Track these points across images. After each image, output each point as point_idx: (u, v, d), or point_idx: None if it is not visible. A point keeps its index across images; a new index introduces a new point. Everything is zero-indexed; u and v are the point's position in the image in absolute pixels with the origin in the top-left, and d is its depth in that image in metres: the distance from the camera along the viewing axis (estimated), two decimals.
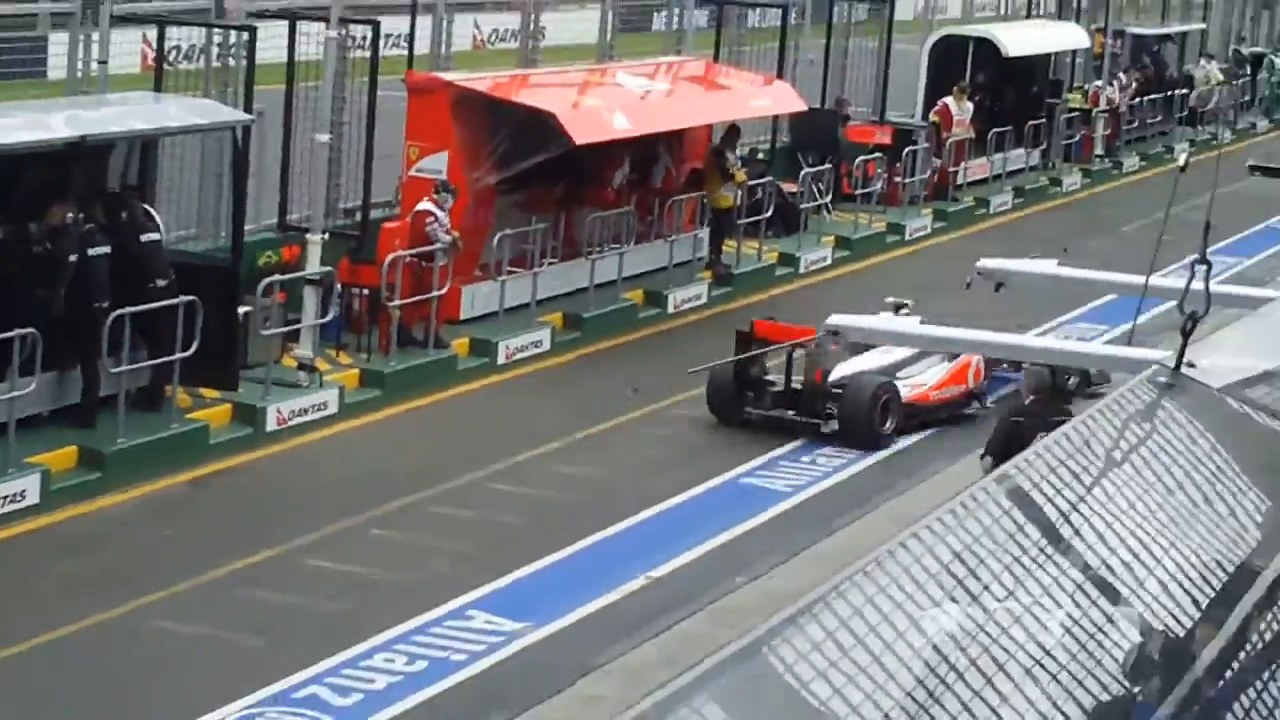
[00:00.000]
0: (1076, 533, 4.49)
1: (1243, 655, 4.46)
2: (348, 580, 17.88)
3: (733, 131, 30.97)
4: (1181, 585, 4.54)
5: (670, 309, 28.50)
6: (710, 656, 3.64)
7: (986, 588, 4.09)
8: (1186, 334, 5.57)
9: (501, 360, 25.10)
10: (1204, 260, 6.01)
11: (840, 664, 3.61)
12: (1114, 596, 4.38)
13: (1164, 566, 4.60)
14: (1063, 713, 3.88)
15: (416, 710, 15.35)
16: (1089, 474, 4.86)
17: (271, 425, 21.55)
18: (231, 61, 24.28)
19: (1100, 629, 4.16)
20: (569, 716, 14.79)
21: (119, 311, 19.66)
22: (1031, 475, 4.64)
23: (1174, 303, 19.05)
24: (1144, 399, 5.39)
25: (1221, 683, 4.34)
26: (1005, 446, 17.09)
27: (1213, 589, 4.70)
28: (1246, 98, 54.50)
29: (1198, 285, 5.95)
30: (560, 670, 15.68)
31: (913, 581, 4.01)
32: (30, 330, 18.72)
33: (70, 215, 19.71)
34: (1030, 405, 18.34)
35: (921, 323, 21.04)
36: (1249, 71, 55.69)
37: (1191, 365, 5.45)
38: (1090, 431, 5.11)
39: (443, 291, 24.28)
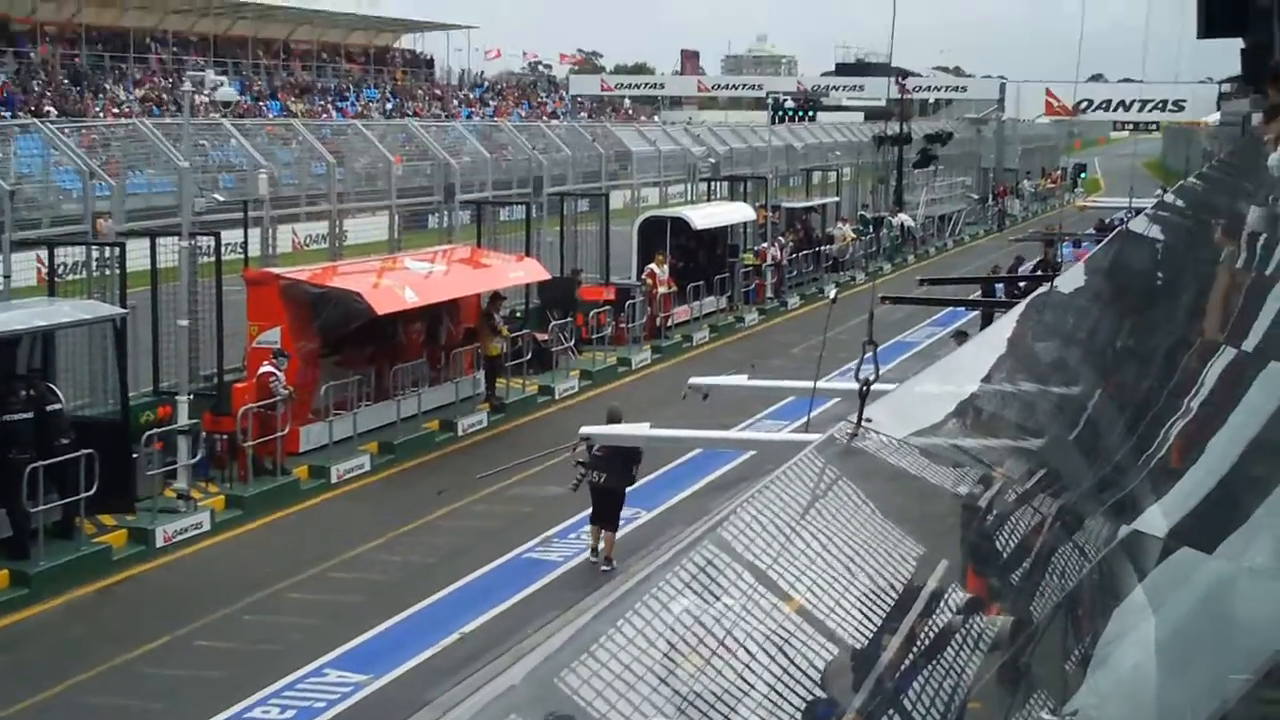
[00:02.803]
0: (782, 571, 4.53)
1: (911, 654, 4.55)
2: (229, 654, 17.59)
3: (496, 297, 31.16)
4: (865, 603, 4.61)
5: (460, 433, 28.46)
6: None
7: (709, 630, 4.09)
8: (863, 397, 5.68)
9: (334, 480, 24.95)
10: (871, 341, 6.16)
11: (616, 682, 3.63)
12: (812, 619, 4.43)
13: (854, 589, 4.67)
14: (784, 709, 3.92)
15: None
16: (794, 513, 4.92)
17: (160, 543, 21.23)
18: (108, 270, 23.96)
19: (806, 644, 4.21)
20: None
21: (34, 464, 19.35)
22: (737, 523, 4.66)
23: (838, 399, 19.39)
24: (837, 448, 5.48)
25: (897, 675, 4.43)
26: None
27: (888, 604, 4.78)
28: (873, 249, 55.80)
29: (868, 362, 6.07)
30: (398, 707, 15.63)
31: (659, 619, 4.03)
32: None
33: None
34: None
35: (650, 426, 21.15)
36: (873, 229, 57.01)
37: (869, 420, 5.57)
38: (792, 477, 5.18)
39: (285, 432, 24.21)
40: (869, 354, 6.11)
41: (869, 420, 5.52)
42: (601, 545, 21.02)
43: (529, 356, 31.80)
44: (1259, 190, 10.66)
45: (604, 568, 20.56)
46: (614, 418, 20.71)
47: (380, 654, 17.57)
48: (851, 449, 5.49)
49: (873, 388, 5.78)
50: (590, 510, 21.40)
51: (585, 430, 14.93)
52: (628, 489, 21.27)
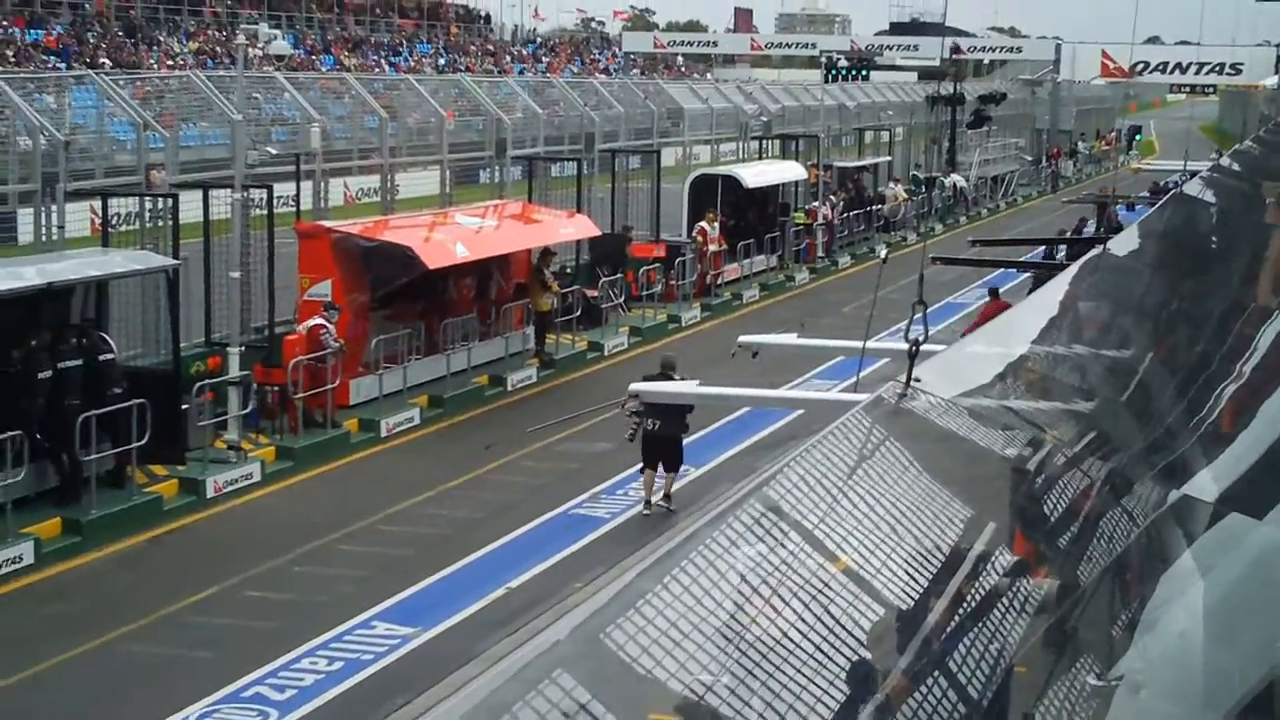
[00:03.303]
0: (829, 530, 4.52)
1: (958, 616, 4.53)
2: (277, 605, 17.65)
3: (547, 253, 31.10)
4: (914, 565, 4.59)
5: (509, 388, 28.50)
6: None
7: (756, 589, 4.09)
8: (913, 357, 5.65)
9: (384, 434, 24.99)
10: (921, 302, 6.12)
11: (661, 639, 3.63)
12: (858, 579, 4.41)
13: (900, 551, 4.66)
14: (829, 668, 3.92)
15: (339, 698, 15.26)
16: (841, 473, 4.90)
17: (211, 493, 21.35)
18: (160, 222, 24.06)
19: (852, 605, 4.19)
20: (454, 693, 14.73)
21: (87, 413, 19.49)
22: (784, 483, 4.65)
23: (887, 359, 19.36)
24: (885, 408, 5.46)
25: (943, 636, 4.41)
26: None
27: (935, 566, 4.76)
28: (925, 209, 55.54)
29: (918, 322, 6.04)
30: (445, 660, 15.65)
31: (705, 576, 4.02)
32: (18, 432, 18.58)
33: (35, 341, 19.52)
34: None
35: (700, 384, 21.14)
36: (925, 190, 56.73)
37: (919, 380, 5.54)
38: (840, 436, 5.16)
39: (335, 385, 24.28)
40: (919, 315, 6.07)
41: (918, 380, 5.49)
42: (660, 486, 21.36)
43: (579, 312, 31.88)
44: None
45: (670, 507, 21.05)
46: (668, 365, 21.19)
47: (428, 607, 17.62)
48: (900, 409, 5.46)
49: (923, 348, 5.75)
50: (641, 463, 21.54)
51: (635, 387, 14.90)
52: (683, 435, 21.41)
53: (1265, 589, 3.60)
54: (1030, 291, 31.11)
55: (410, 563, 19.07)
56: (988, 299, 28.89)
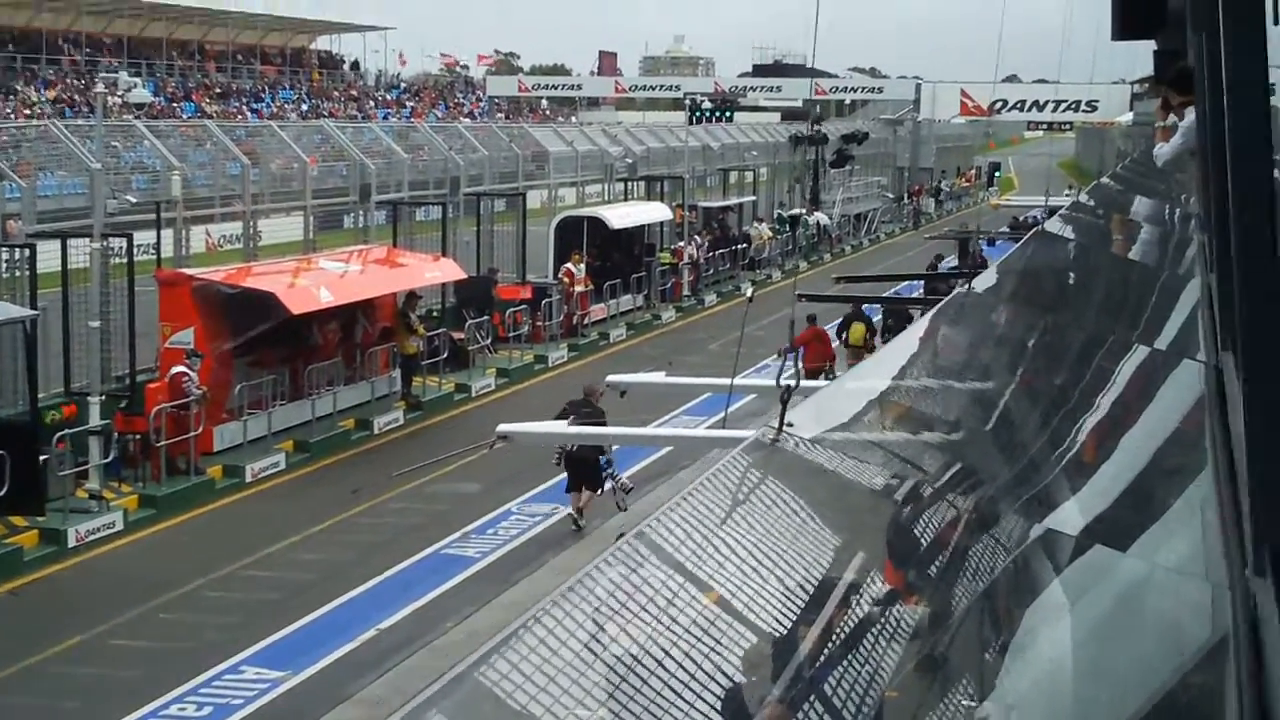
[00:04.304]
0: (703, 567, 4.54)
1: (830, 644, 4.55)
2: (144, 653, 17.43)
3: (412, 297, 31.11)
4: (785, 598, 4.61)
5: (376, 431, 28.36)
6: (433, 682, 3.65)
7: (635, 615, 4.10)
8: (784, 402, 5.67)
9: (249, 479, 24.77)
10: (793, 348, 6.17)
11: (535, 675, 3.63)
12: (735, 613, 4.43)
13: (770, 585, 4.66)
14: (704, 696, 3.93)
15: None
16: (714, 518, 4.91)
17: (72, 543, 21.00)
18: (18, 272, 23.68)
19: (727, 636, 4.21)
20: None
21: None
22: (665, 527, 4.66)
23: (754, 395, 19.42)
24: (756, 455, 5.47)
25: (816, 665, 4.42)
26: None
27: (807, 596, 4.77)
28: (790, 247, 56.04)
29: (789, 367, 6.04)
30: (317, 704, 15.59)
31: (580, 613, 4.04)
32: None
33: None
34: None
35: (569, 424, 21.21)
36: (790, 228, 57.22)
37: (790, 425, 5.56)
38: (715, 483, 5.17)
39: (198, 431, 24.02)
40: (788, 359, 6.11)
41: (790, 425, 5.52)
42: (582, 503, 22.25)
43: (445, 355, 31.76)
44: (1149, 181, 10.76)
45: (581, 523, 22.02)
46: (589, 393, 21.91)
47: (297, 650, 17.47)
48: (775, 449, 5.48)
49: (796, 389, 5.78)
50: (566, 481, 22.43)
51: (503, 428, 14.89)
52: (601, 456, 22.14)
53: (1132, 621, 3.65)
54: (884, 328, 31.77)
55: (278, 607, 18.88)
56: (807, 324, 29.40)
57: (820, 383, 8.29)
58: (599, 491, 22.20)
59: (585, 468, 22.15)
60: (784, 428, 5.49)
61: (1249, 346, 2.59)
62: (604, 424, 21.27)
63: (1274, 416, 2.49)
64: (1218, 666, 2.44)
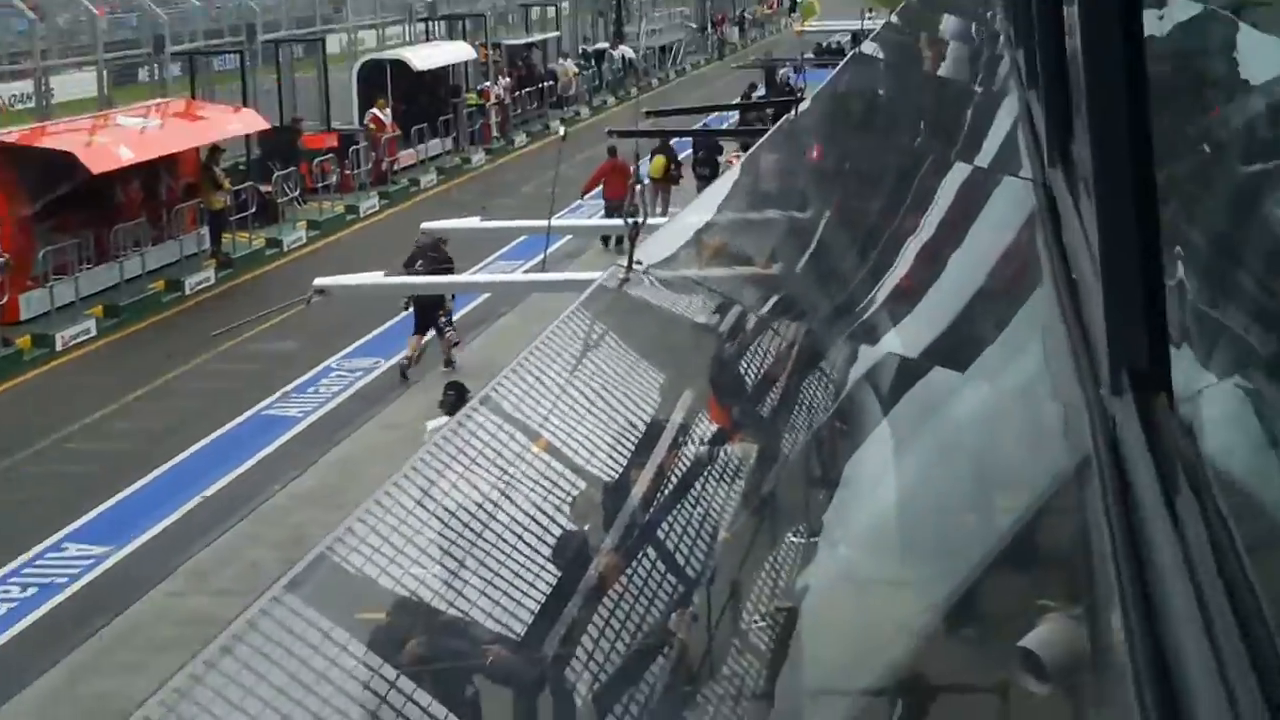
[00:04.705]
0: (553, 421, 4.48)
1: (662, 487, 4.53)
2: None
3: (216, 150, 30.39)
4: (618, 442, 4.58)
5: (188, 291, 27.82)
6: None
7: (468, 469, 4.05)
8: (633, 239, 5.61)
9: (59, 348, 24.17)
10: (639, 181, 6.07)
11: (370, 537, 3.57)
12: (572, 465, 4.39)
13: (609, 429, 4.63)
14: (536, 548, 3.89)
15: (37, 624, 14.90)
16: (563, 373, 4.86)
17: None
18: None
19: (567, 487, 4.17)
20: (154, 610, 14.59)
21: None
22: (512, 390, 4.60)
23: (569, 236, 19.40)
24: (605, 299, 5.40)
25: (650, 508, 4.40)
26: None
27: (633, 441, 4.75)
28: (597, 83, 55.61)
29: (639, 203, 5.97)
30: (143, 579, 15.44)
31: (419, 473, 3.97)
32: None
33: None
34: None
35: (386, 275, 21.01)
36: (595, 64, 56.78)
37: (639, 263, 5.49)
38: (564, 333, 5.10)
39: (3, 301, 23.54)
40: (638, 194, 6.02)
41: (638, 263, 5.47)
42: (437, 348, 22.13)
43: (254, 210, 31.09)
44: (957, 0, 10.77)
45: (443, 369, 21.40)
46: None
47: (121, 524, 17.22)
48: (619, 294, 5.43)
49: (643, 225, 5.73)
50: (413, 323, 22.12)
51: (319, 282, 14.69)
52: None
53: (979, 444, 3.62)
54: (695, 160, 31.80)
55: (99, 479, 18.53)
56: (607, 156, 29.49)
57: (661, 219, 8.24)
58: (441, 335, 22.10)
59: (433, 310, 21.86)
60: (632, 266, 5.44)
61: (1099, 168, 2.53)
62: (452, 269, 21.15)
63: (1124, 236, 2.44)
64: (1081, 490, 2.41)
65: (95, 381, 22.66)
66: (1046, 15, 4.85)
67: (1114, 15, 2.43)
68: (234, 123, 31.79)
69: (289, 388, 21.94)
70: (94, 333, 25.12)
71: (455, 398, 16.33)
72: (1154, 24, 2.79)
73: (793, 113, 8.92)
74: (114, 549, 16.51)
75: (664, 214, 22.00)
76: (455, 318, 22.84)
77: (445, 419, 14.12)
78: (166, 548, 16.44)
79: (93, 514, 17.48)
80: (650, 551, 4.30)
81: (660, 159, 30.69)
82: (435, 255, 20.78)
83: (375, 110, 37.82)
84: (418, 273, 20.97)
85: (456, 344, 21.93)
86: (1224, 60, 2.88)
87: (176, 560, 15.87)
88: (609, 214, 29.00)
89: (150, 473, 18.78)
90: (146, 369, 22.69)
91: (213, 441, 19.93)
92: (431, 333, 22.10)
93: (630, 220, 5.71)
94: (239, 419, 20.73)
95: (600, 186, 30.04)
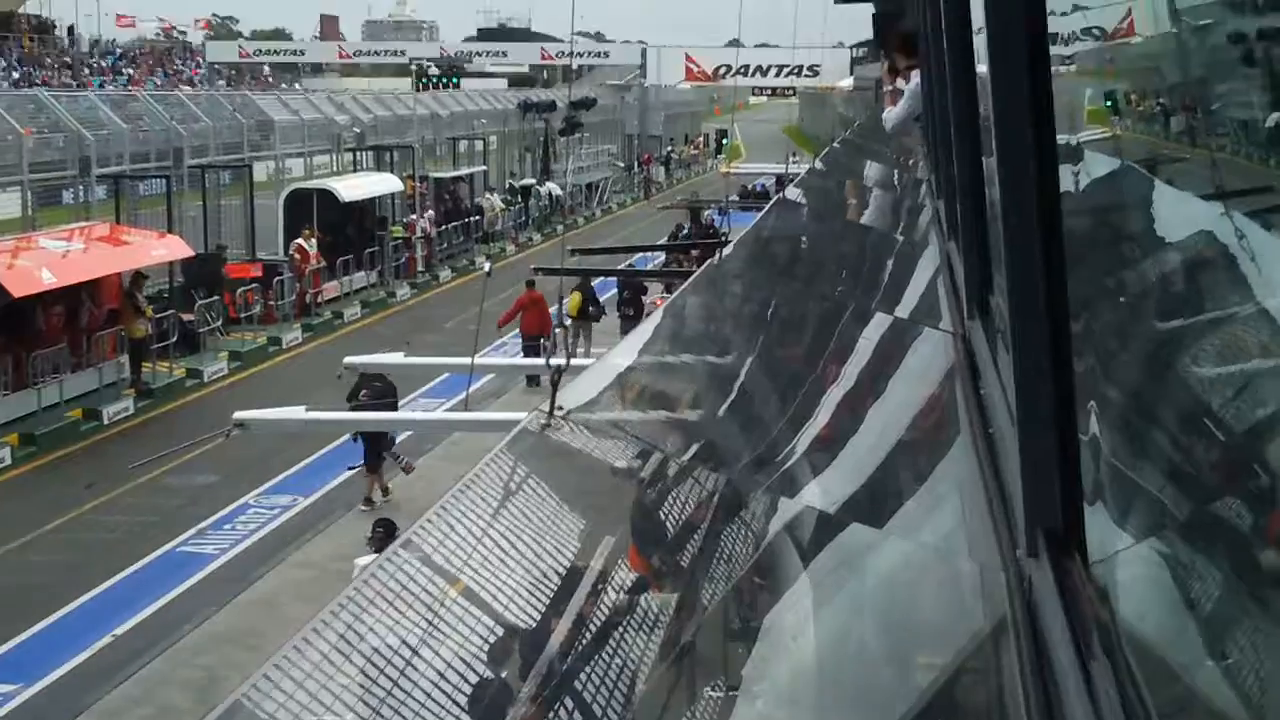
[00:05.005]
0: (473, 566, 4.48)
1: (581, 637, 4.51)
2: None
3: (139, 276, 30.30)
4: (538, 589, 4.56)
5: (106, 420, 27.53)
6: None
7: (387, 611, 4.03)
8: (555, 384, 5.62)
9: None
10: (562, 325, 6.08)
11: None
12: (492, 612, 4.38)
13: (529, 575, 4.61)
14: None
15: None
16: (484, 518, 4.85)
17: None
18: None
19: (484, 636, 4.15)
20: None
21: None
22: (433, 533, 4.59)
23: (492, 375, 19.40)
24: (526, 443, 5.40)
25: (568, 659, 4.37)
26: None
27: (553, 588, 4.73)
28: (523, 218, 55.94)
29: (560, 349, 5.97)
30: (53, 717, 15.15)
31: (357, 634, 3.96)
32: None
33: None
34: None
35: (307, 410, 20.87)
36: (522, 200, 57.15)
37: (561, 408, 5.50)
38: (485, 478, 5.10)
39: None
40: (558, 338, 6.04)
41: (560, 409, 5.47)
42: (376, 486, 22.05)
43: (175, 338, 30.96)
44: (878, 147, 10.92)
45: (361, 507, 21.44)
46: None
47: (31, 660, 16.92)
48: (542, 439, 5.43)
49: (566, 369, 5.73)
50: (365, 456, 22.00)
51: (239, 415, 14.59)
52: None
53: (895, 602, 3.64)
54: (620, 300, 32.05)
55: (8, 613, 18.19)
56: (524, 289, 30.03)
57: (585, 360, 8.28)
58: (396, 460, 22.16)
59: (381, 439, 21.77)
60: (554, 411, 5.44)
61: (1016, 322, 2.57)
62: (395, 399, 21.18)
63: (1041, 393, 2.47)
64: (998, 651, 2.43)
65: (8, 511, 22.34)
66: (967, 166, 4.94)
67: (1032, 169, 2.48)
68: (158, 249, 31.74)
69: (205, 524, 21.71)
70: (8, 461, 24.85)
71: (384, 534, 16.29)
72: (1071, 179, 2.85)
73: (717, 255, 9.01)
74: (22, 686, 16.24)
75: (586, 353, 22.17)
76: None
77: (373, 556, 14.00)
78: (77, 686, 16.17)
79: (1, 649, 17.15)
80: (568, 701, 4.27)
81: (576, 295, 30.85)
82: (380, 385, 20.70)
83: (300, 240, 37.86)
84: (361, 403, 20.77)
85: (411, 469, 21.93)
86: (1140, 216, 2.94)
87: (87, 699, 15.62)
88: (525, 347, 29.57)
89: (62, 608, 18.47)
90: (62, 500, 22.39)
91: (126, 577, 19.67)
92: (386, 460, 22.04)
93: (551, 363, 5.71)
94: (154, 554, 20.48)
95: (518, 318, 30.25)
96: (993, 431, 3.54)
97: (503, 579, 4.56)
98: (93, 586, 19.20)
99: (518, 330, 30.22)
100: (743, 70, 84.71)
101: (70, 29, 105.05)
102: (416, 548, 4.44)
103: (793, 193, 12.46)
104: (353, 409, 21.21)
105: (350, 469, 22.46)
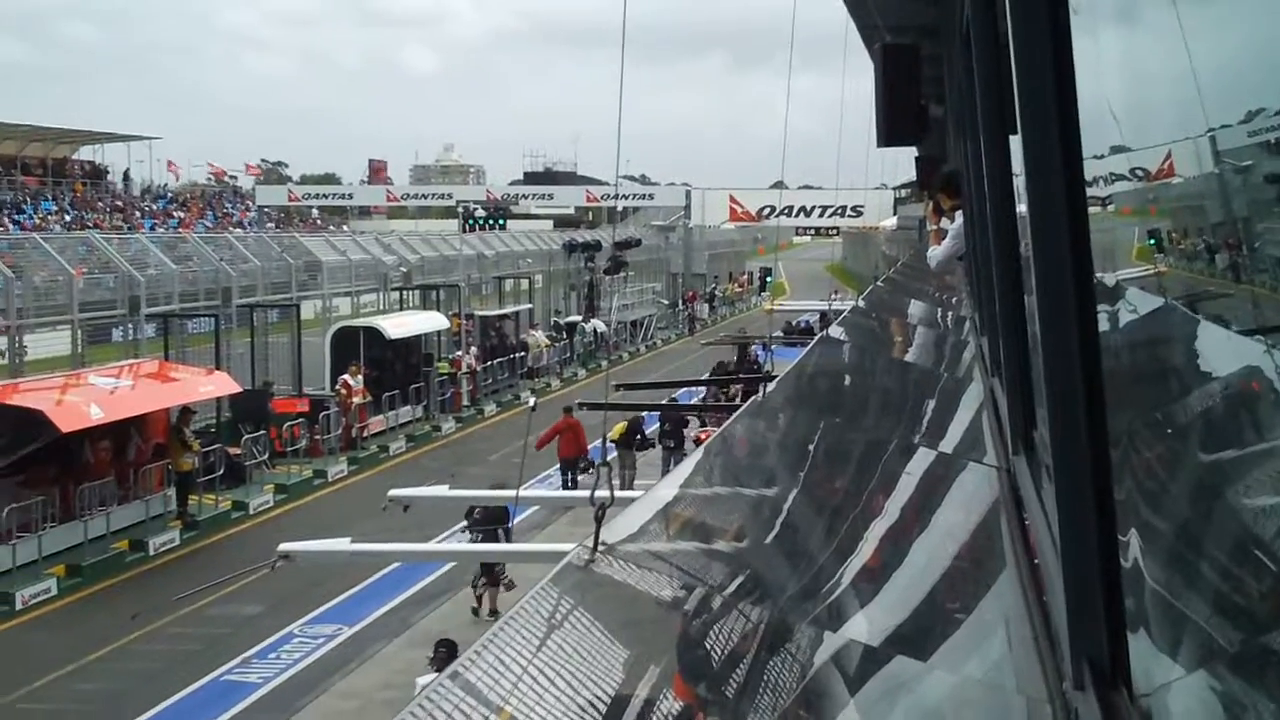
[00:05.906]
0: (517, 697, 4.48)
1: None
2: None
3: (186, 412, 30.50)
4: (584, 716, 4.56)
5: (152, 552, 27.63)
6: None
7: None
8: (599, 520, 5.63)
9: (19, 607, 23.96)
10: (605, 463, 6.10)
11: None
12: None
13: (574, 704, 4.62)
14: None
15: None
16: (529, 651, 4.86)
17: None
18: None
19: None
20: None
21: None
22: (480, 665, 4.60)
23: (537, 507, 19.49)
24: (572, 578, 5.42)
25: None
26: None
27: (599, 716, 4.73)
28: (567, 354, 56.17)
29: (603, 484, 6.01)
30: None
31: None
32: None
33: None
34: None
35: (352, 541, 20.89)
36: (566, 336, 57.44)
37: (605, 543, 5.52)
38: (531, 611, 5.11)
39: None
40: (603, 474, 6.05)
41: (604, 544, 5.49)
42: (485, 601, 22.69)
43: (222, 471, 31.12)
44: (922, 284, 10.97)
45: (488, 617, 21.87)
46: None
47: None
48: (587, 571, 5.45)
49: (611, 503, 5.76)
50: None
51: (284, 547, 14.62)
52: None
53: None
54: (661, 431, 32.18)
55: None
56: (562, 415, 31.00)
57: (633, 492, 8.29)
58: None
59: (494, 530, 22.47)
60: (599, 546, 5.45)
61: (1059, 456, 2.60)
62: (508, 517, 22.23)
63: (1085, 526, 2.50)
64: None
65: (54, 641, 22.39)
66: (1008, 304, 4.99)
67: (1074, 307, 2.52)
68: (206, 385, 31.92)
69: (250, 653, 21.68)
70: (55, 592, 24.89)
71: (446, 654, 16.28)
72: (1112, 316, 2.90)
73: (761, 391, 9.06)
74: None
75: (629, 483, 22.30)
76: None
77: (434, 675, 13.97)
78: None
79: None
80: None
81: (622, 424, 30.98)
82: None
83: (346, 376, 38.10)
84: (475, 520, 22.25)
85: (513, 587, 22.12)
86: (1181, 352, 2.98)
87: None
88: (564, 470, 30.54)
89: None
90: (106, 630, 22.41)
91: (171, 706, 19.62)
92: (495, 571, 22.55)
93: (596, 497, 5.73)
94: (198, 683, 20.44)
95: (555, 441, 30.88)
96: (1038, 563, 3.56)
97: (548, 706, 4.57)
98: (137, 715, 19.13)
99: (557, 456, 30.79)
100: (786, 210, 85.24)
101: (125, 174, 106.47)
102: (463, 678, 4.46)
103: (836, 330, 12.54)
104: (469, 525, 22.93)
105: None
